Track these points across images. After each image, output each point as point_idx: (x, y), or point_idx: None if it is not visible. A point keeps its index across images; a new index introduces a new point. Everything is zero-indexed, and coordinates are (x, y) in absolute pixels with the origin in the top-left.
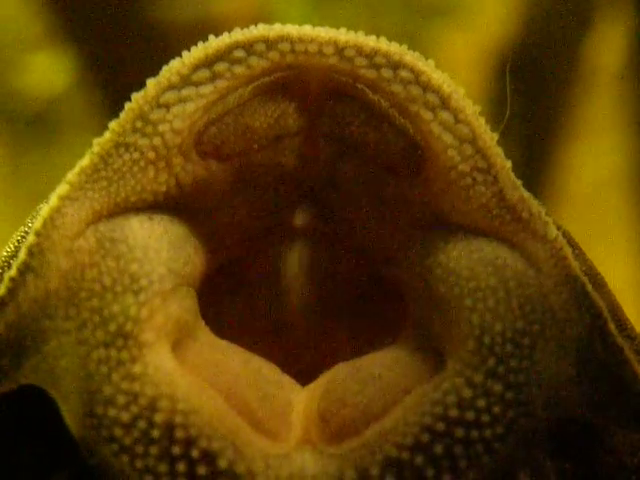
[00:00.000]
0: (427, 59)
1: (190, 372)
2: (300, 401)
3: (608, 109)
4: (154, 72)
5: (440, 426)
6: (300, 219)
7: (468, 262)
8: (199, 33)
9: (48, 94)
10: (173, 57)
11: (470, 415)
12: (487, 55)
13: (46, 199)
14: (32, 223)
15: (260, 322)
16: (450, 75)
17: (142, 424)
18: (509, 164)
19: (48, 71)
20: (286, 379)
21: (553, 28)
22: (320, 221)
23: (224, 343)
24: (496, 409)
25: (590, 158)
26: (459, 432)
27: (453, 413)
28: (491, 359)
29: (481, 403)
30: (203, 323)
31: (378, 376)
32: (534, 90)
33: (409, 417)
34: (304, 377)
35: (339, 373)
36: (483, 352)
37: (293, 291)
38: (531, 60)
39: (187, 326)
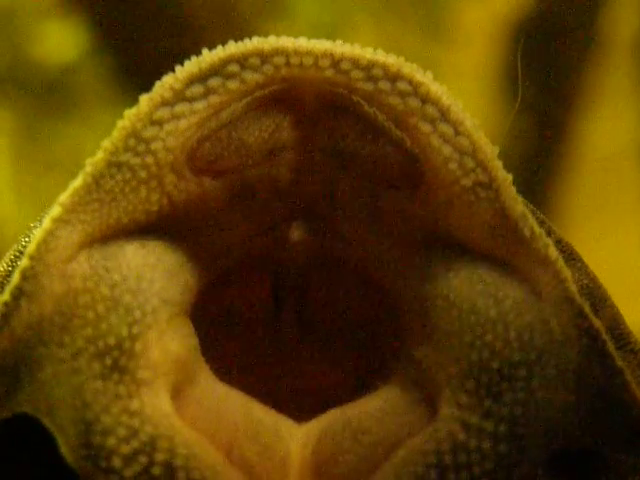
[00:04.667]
0: (442, 28)
1: (190, 424)
2: (297, 449)
3: (623, 79)
4: (166, 41)
5: (432, 474)
6: (296, 235)
7: (469, 294)
8: (212, 2)
9: (61, 63)
10: (185, 25)
11: (462, 457)
12: (503, 24)
13: (39, 221)
14: (26, 243)
15: (257, 334)
16: (465, 45)
17: (143, 459)
18: (510, 178)
19: (61, 40)
20: (284, 425)
21: None
22: (317, 238)
23: (223, 388)
24: (485, 445)
25: (604, 128)
26: (450, 476)
27: (447, 459)
28: (487, 399)
29: (473, 443)
30: (203, 363)
31: (368, 430)
32: (549, 60)
33: (400, 471)
34: (303, 381)
35: (331, 424)
36: (480, 392)
37: (290, 308)
38: (546, 30)
39: (187, 368)
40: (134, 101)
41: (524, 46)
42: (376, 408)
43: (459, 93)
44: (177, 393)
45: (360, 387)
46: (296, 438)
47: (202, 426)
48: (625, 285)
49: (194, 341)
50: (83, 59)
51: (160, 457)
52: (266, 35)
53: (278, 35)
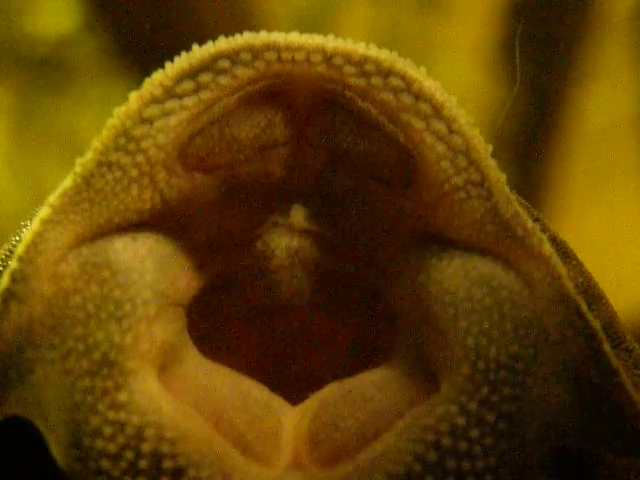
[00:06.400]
0: (439, 1)
1: (176, 398)
2: (290, 422)
3: (621, 52)
4: (162, 15)
5: (432, 456)
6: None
7: (464, 281)
8: None
9: (57, 37)
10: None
11: (462, 445)
12: None
13: (29, 221)
14: (16, 242)
15: (252, 324)
16: (463, 18)
17: (129, 455)
18: (503, 177)
19: (57, 14)
20: (275, 400)
21: None
22: (312, 224)
23: (211, 365)
24: (488, 440)
25: (602, 101)
26: (451, 463)
27: (446, 442)
28: (485, 387)
29: (474, 433)
30: (190, 343)
31: (370, 398)
32: (547, 33)
33: (401, 443)
34: (301, 383)
35: (330, 394)
36: (477, 378)
37: (285, 287)
38: (544, 2)
39: (173, 349)
40: (129, 76)
41: (522, 20)
42: (378, 379)
43: (456, 67)
44: (164, 371)
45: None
46: (291, 411)
47: (189, 399)
48: (624, 256)
49: (181, 324)
50: (78, 34)
51: (147, 448)
52: (261, 9)
53: (273, 10)
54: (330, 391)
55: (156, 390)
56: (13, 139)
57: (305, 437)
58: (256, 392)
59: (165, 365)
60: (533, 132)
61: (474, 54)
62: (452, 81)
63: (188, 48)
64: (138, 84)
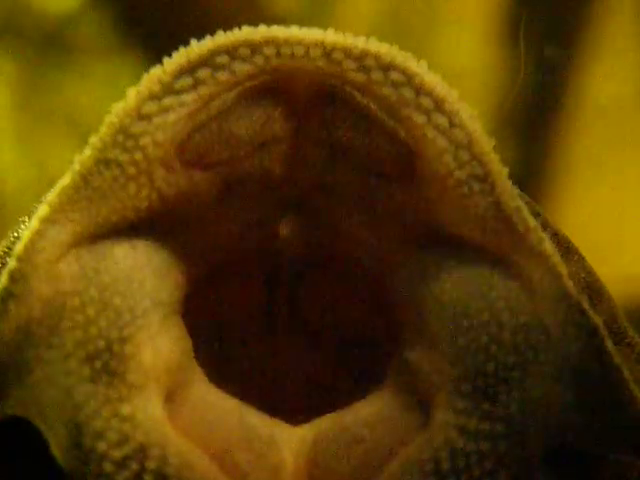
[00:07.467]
0: None
1: (182, 430)
2: (290, 454)
3: (627, 28)
4: None
5: None
6: (288, 229)
7: (462, 296)
8: None
9: (62, 13)
10: None
11: (461, 462)
12: None
13: (28, 218)
14: (14, 239)
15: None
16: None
17: (135, 466)
18: (506, 171)
19: None
20: (278, 432)
21: None
22: (309, 232)
23: (218, 394)
24: (484, 446)
25: (607, 78)
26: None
27: (445, 466)
28: (485, 403)
29: (471, 446)
30: (197, 367)
31: (362, 439)
32: (551, 10)
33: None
34: (302, 385)
35: (325, 431)
36: (477, 396)
37: (285, 286)
38: None
39: (179, 371)
40: (134, 53)
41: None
42: (369, 415)
43: (461, 43)
44: (170, 397)
45: (355, 381)
46: (290, 445)
47: (195, 432)
48: (627, 234)
49: (186, 344)
50: (83, 10)
51: (152, 465)
52: None
53: None
54: (324, 427)
55: (161, 416)
56: (18, 114)
57: (302, 477)
58: (261, 426)
59: (172, 391)
60: (536, 110)
61: (479, 31)
62: (457, 57)
63: (192, 27)
64: (143, 61)
